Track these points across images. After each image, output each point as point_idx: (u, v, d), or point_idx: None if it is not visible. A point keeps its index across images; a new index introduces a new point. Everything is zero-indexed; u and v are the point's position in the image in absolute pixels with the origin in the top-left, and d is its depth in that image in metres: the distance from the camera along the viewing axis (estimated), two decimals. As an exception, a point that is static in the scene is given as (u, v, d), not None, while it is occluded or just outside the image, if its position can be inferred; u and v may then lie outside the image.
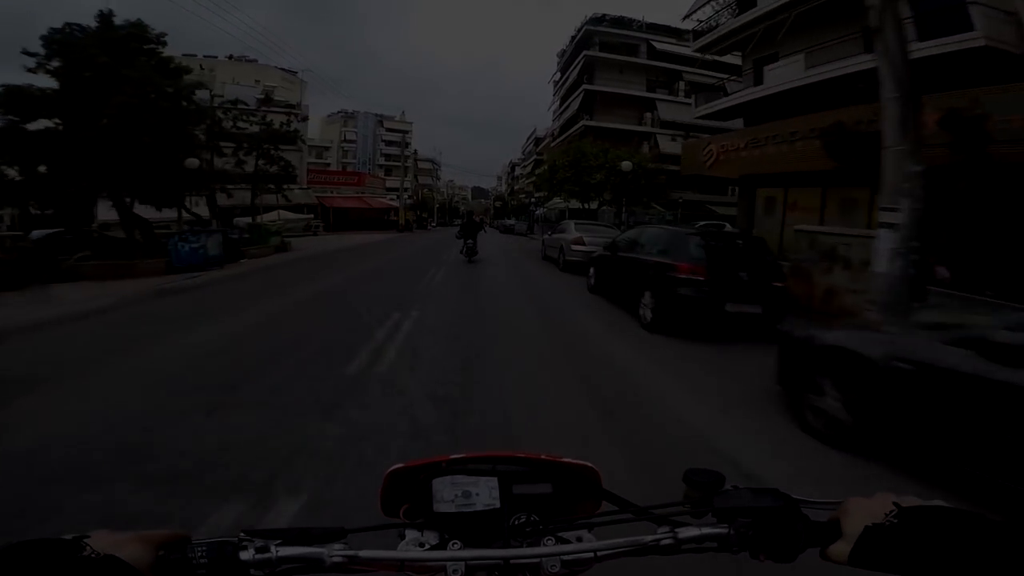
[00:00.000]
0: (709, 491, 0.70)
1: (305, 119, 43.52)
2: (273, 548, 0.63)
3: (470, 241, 17.68)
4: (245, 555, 0.62)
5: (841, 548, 0.58)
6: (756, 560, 0.65)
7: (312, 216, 35.40)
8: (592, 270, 10.90)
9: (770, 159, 15.49)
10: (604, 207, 24.53)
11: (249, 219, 23.59)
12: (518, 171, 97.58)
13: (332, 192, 42.85)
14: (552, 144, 50.78)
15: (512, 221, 51.60)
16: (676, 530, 0.68)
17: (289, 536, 0.66)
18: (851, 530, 0.57)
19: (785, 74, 15.74)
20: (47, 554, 0.50)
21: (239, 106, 21.94)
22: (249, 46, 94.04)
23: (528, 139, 75.84)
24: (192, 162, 15.08)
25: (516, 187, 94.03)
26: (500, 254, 21.15)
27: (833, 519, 0.62)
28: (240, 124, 21.59)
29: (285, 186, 24.30)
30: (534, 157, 66.04)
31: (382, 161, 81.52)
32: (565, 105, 46.28)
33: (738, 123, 19.38)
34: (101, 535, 0.54)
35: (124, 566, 0.52)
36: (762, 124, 16.33)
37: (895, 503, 0.57)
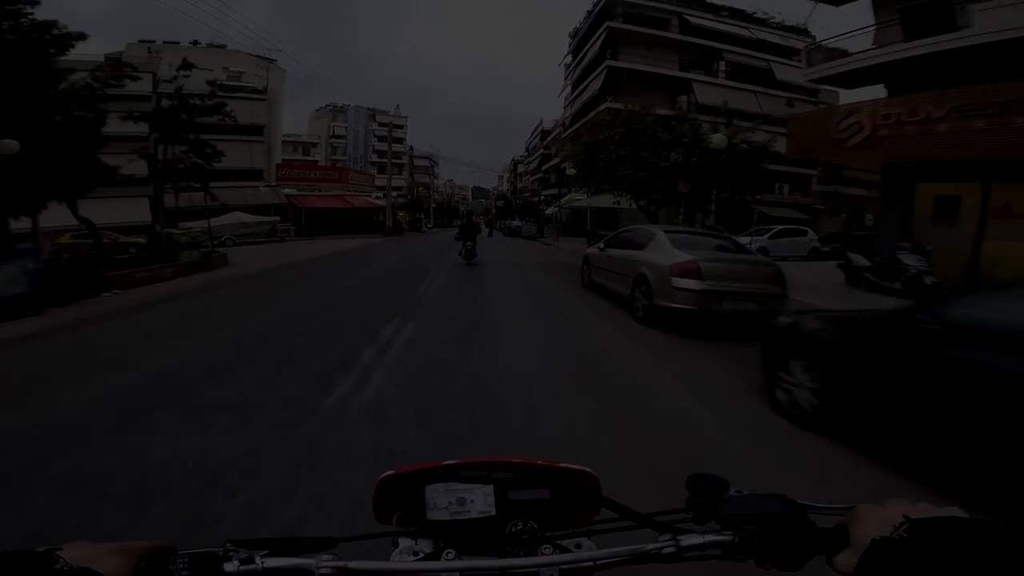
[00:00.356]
0: (713, 497, 0.67)
1: (270, 104, 37.06)
2: (259, 560, 0.61)
3: (469, 243, 16.82)
4: (229, 567, 0.59)
5: (848, 559, 0.55)
6: (761, 568, 0.63)
7: (277, 219, 29.13)
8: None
9: (954, 139, 9.37)
10: (651, 206, 17.61)
11: (200, 224, 17.24)
12: (521, 168, 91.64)
13: (310, 190, 36.50)
14: (564, 134, 44.50)
15: (518, 222, 45.16)
16: (678, 537, 0.66)
17: (277, 546, 0.63)
18: (859, 540, 0.54)
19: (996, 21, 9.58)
20: (15, 569, 0.47)
21: (181, 86, 15.65)
22: (257, 45, 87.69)
23: (533, 133, 69.62)
24: (8, 145, 9.02)
25: (520, 185, 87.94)
26: (513, 275, 14.70)
27: (841, 526, 0.59)
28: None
29: (247, 184, 17.95)
30: (540, 152, 59.83)
31: (374, 158, 75.32)
32: (581, 87, 39.95)
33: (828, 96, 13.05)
34: (77, 546, 0.52)
35: None
36: (917, 92, 10.26)
37: (906, 515, 0.53)
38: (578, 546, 0.75)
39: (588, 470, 0.81)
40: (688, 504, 0.70)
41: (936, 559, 0.47)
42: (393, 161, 79.30)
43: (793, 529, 0.62)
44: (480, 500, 0.76)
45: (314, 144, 73.07)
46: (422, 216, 54.35)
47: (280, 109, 46.21)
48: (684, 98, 32.82)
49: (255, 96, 35.03)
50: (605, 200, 21.84)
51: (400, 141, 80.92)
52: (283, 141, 64.91)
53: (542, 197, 57.79)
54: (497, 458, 0.79)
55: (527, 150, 78.10)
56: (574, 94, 42.82)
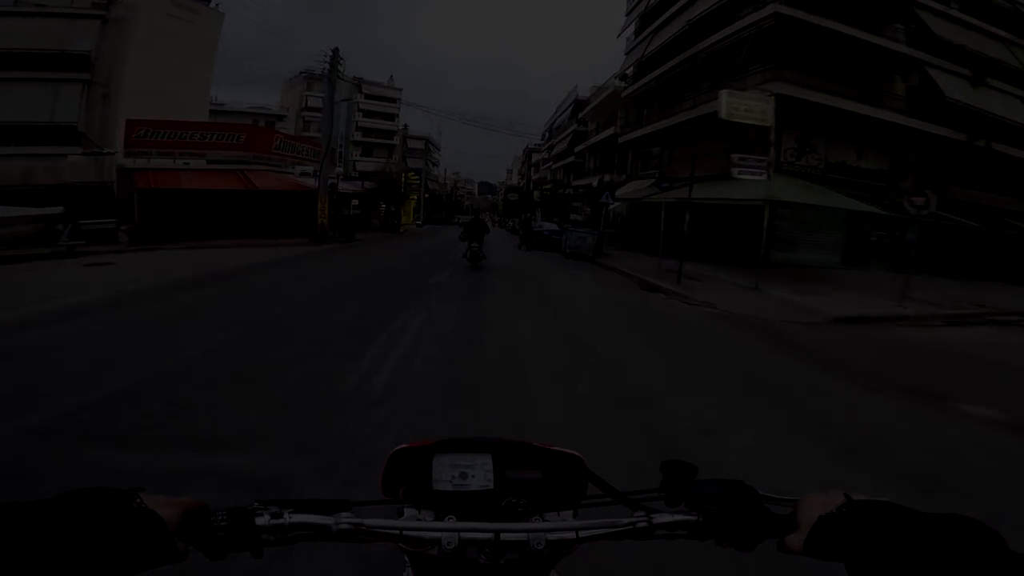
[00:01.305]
0: (683, 480, 0.75)
1: (119, 26, 20.93)
2: (286, 515, 0.67)
3: (475, 244, 15.44)
4: (260, 520, 0.66)
5: (796, 538, 0.61)
6: (720, 547, 0.70)
7: (60, 210, 13.60)
8: None
9: None
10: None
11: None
12: (536, 157, 76.31)
13: (181, 163, 20.45)
14: (628, 92, 28.83)
15: (550, 225, 28.69)
16: (651, 515, 0.73)
17: (299, 506, 0.69)
18: (805, 521, 0.61)
19: None
20: (104, 501, 0.55)
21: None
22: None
23: (559, 110, 53.98)
24: None
25: (536, 176, 72.45)
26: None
27: (791, 513, 0.65)
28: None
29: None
30: (572, 130, 44.24)
31: (358, 136, 60.00)
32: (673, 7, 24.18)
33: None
34: (145, 494, 0.59)
35: (160, 523, 0.57)
36: None
37: (846, 494, 0.61)
38: (563, 519, 0.83)
39: (575, 453, 0.89)
40: (661, 486, 0.76)
41: (872, 532, 0.55)
42: (382, 141, 64.51)
43: (749, 512, 0.68)
44: (480, 475, 0.84)
45: (280, 117, 57.72)
46: (398, 209, 38.79)
47: (211, 63, 30.40)
48: (900, 27, 17.46)
49: (70, 10, 19.44)
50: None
51: (392, 118, 65.76)
52: (232, 112, 50.08)
53: (571, 189, 42.49)
54: (496, 437, 0.88)
55: (548, 131, 62.48)
56: (649, 29, 27.06)
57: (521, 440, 0.88)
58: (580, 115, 41.79)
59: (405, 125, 65.46)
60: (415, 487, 0.85)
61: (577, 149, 41.55)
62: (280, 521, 0.67)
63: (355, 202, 38.28)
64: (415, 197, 50.54)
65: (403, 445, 0.88)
